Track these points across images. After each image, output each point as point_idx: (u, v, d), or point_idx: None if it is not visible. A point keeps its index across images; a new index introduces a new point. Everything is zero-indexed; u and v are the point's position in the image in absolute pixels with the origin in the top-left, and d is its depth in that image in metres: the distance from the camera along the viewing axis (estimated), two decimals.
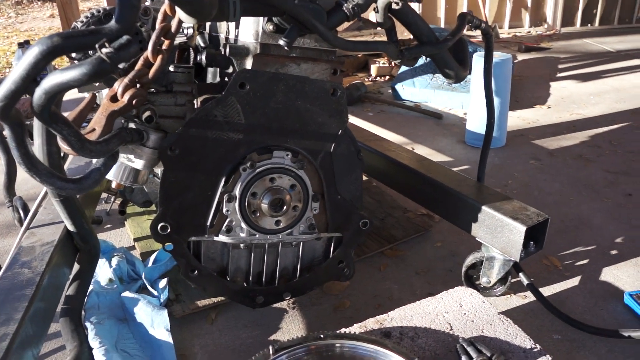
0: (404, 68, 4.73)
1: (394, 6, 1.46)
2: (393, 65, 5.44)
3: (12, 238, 2.52)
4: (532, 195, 2.81)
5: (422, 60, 4.68)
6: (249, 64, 1.50)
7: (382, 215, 2.51)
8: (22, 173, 2.45)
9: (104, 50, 0.98)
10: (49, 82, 1.00)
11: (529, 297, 1.96)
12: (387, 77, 5.36)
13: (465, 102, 4.31)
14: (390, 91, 4.82)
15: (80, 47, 1.01)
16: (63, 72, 0.99)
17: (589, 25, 8.62)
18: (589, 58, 6.19)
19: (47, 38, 0.99)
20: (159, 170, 2.00)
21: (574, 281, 2.07)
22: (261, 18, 1.45)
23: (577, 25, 8.53)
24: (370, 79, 5.37)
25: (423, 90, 4.52)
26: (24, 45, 5.09)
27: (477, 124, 3.48)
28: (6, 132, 1.14)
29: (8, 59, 7.83)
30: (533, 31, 8.08)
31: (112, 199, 2.68)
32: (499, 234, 1.80)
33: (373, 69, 5.42)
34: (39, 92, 1.02)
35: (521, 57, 6.19)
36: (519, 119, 4.10)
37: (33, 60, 0.99)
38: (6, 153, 2.36)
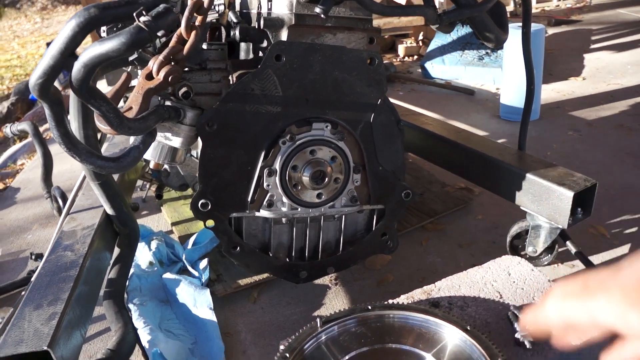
0: (432, 46, 4.65)
1: None
2: (420, 45, 5.36)
3: (52, 228, 2.54)
4: (573, 165, 2.71)
5: (450, 37, 4.59)
6: (284, 35, 1.47)
7: (421, 190, 2.47)
8: (57, 166, 2.50)
9: (142, 18, 0.96)
10: (87, 54, 0.99)
11: (577, 265, 1.91)
12: (415, 57, 5.28)
13: (497, 77, 4.22)
14: (419, 70, 4.74)
15: (118, 18, 0.99)
16: (102, 43, 0.98)
17: None
18: (623, 28, 5.97)
19: (84, 10, 0.98)
20: (194, 152, 1.99)
21: (624, 249, 2.01)
22: None
23: None
24: (398, 60, 5.30)
25: (453, 67, 4.44)
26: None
27: (511, 97, 3.40)
28: (45, 112, 1.13)
29: (36, 61, 7.94)
30: (562, 4, 7.88)
31: (147, 186, 2.68)
32: (545, 202, 1.75)
33: (401, 50, 5.35)
34: (78, 65, 1.00)
35: (551, 30, 6.03)
36: (553, 91, 3.99)
37: (71, 33, 0.98)
38: (42, 146, 2.38)
